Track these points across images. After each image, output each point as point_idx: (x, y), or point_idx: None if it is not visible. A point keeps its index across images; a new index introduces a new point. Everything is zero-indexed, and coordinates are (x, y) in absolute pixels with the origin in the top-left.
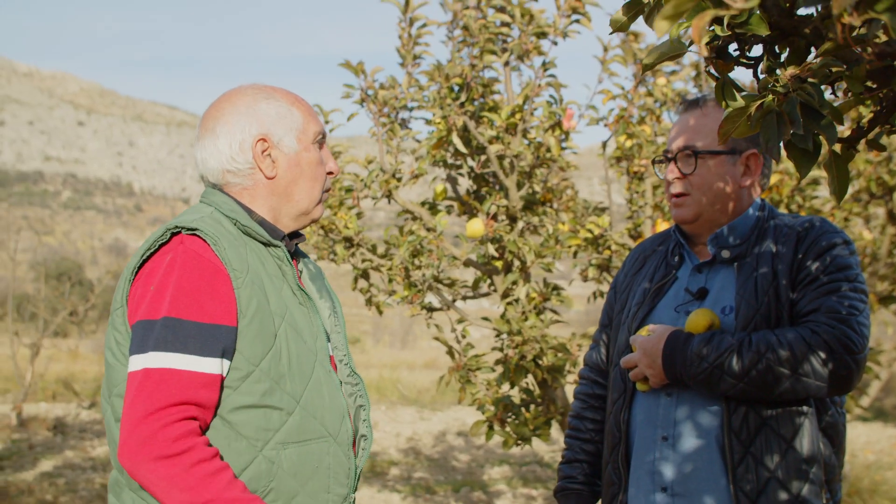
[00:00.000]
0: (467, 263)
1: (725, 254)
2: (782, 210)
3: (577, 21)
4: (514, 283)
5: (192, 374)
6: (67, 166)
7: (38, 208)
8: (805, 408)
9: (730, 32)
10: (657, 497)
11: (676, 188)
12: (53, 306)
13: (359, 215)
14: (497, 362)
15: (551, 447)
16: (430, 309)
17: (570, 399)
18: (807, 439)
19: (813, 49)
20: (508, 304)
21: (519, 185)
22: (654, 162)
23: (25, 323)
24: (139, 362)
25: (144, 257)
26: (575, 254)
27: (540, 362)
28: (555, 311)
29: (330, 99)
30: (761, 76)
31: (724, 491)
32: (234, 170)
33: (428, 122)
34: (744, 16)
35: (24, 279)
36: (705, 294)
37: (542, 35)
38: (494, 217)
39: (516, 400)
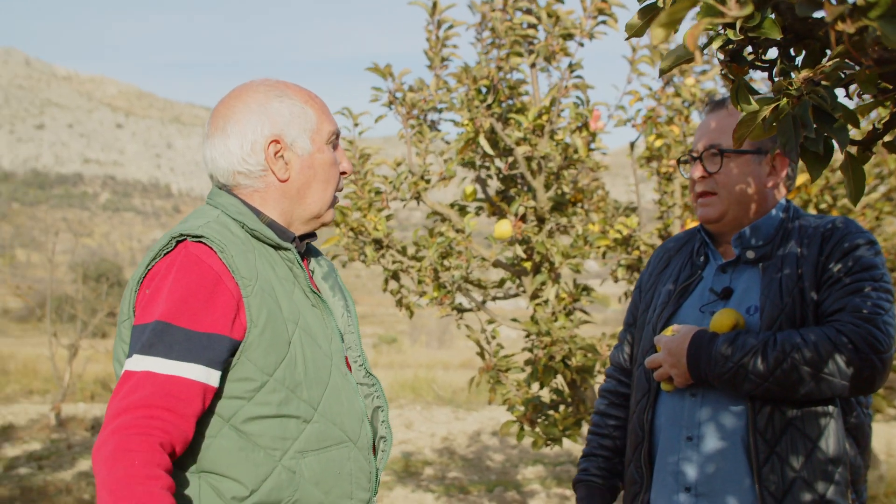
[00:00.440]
0: (496, 265)
1: (750, 254)
2: (811, 210)
3: (604, 22)
4: (543, 283)
5: (171, 378)
6: (106, 168)
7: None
8: (830, 408)
9: (742, 37)
10: (680, 497)
11: (701, 187)
12: (92, 307)
13: (388, 217)
14: (527, 363)
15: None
16: (461, 310)
17: None
18: (832, 439)
19: (828, 52)
20: (538, 304)
21: (547, 187)
22: (679, 162)
23: (64, 324)
24: (126, 365)
25: (149, 267)
26: (604, 254)
27: (569, 363)
28: (585, 312)
29: (363, 101)
30: (776, 79)
31: (749, 491)
32: (246, 171)
33: (456, 123)
34: (756, 19)
35: (63, 280)
36: (730, 294)
37: (568, 37)
38: (523, 218)
39: (546, 400)
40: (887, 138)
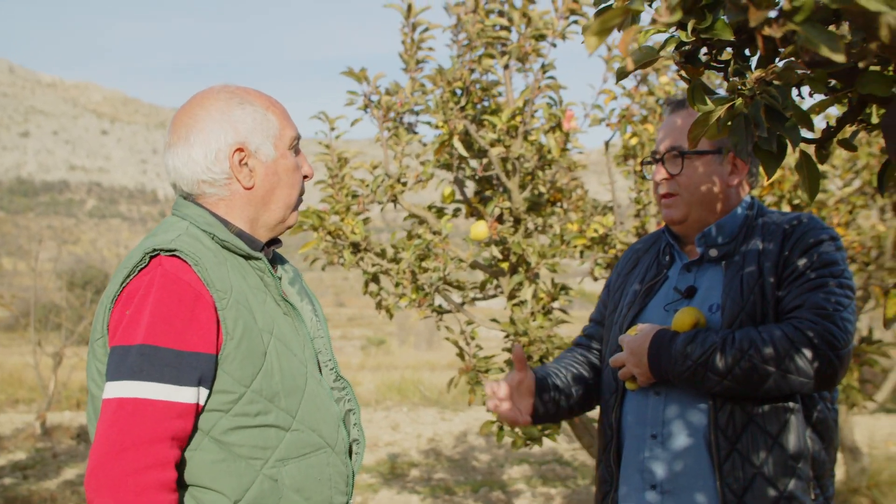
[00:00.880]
0: (474, 266)
1: (713, 253)
2: (785, 206)
3: (576, 22)
4: (520, 284)
5: (168, 404)
6: (92, 175)
7: (64, 217)
8: (792, 404)
9: (694, 38)
10: (648, 495)
11: (664, 189)
12: (78, 314)
13: (366, 221)
14: (507, 363)
15: (571, 445)
16: (440, 311)
17: None
18: (793, 435)
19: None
20: (515, 305)
21: (522, 187)
22: (643, 163)
23: (49, 332)
24: (113, 390)
25: (124, 284)
26: (581, 253)
27: (546, 362)
28: (563, 311)
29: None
30: (731, 79)
31: (712, 488)
32: (210, 180)
33: (432, 126)
34: (709, 21)
35: (49, 288)
36: (694, 293)
37: (540, 37)
38: (499, 219)
39: None
40: (840, 136)
